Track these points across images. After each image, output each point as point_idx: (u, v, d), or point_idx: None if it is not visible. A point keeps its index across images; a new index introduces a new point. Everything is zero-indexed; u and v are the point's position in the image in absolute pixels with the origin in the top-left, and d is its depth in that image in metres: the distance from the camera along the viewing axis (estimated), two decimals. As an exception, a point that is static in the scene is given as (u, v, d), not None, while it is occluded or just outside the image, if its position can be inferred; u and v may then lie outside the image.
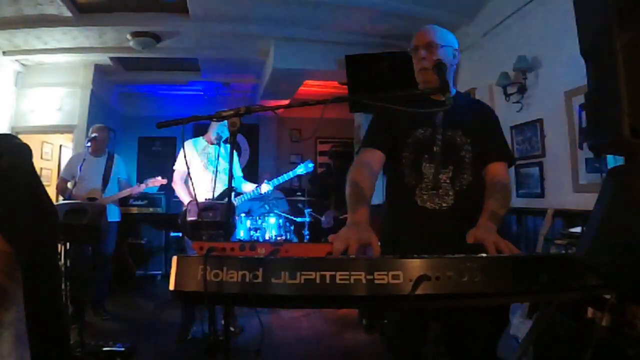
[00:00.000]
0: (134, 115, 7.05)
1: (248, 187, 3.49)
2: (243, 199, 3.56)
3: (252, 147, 7.59)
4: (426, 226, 1.47)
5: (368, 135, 1.61)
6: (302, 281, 0.79)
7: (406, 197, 1.50)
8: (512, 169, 3.34)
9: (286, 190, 6.33)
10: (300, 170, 3.73)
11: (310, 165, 3.78)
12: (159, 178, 3.84)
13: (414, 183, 1.49)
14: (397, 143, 1.54)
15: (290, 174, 3.67)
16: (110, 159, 3.84)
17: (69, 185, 3.74)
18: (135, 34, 4.48)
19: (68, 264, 2.54)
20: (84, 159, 3.43)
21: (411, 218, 1.50)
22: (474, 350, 1.44)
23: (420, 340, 1.51)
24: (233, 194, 3.34)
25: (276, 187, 3.64)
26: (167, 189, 5.07)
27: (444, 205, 1.46)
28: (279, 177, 3.58)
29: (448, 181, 1.48)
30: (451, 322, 1.47)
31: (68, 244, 2.56)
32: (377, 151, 1.53)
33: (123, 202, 5.47)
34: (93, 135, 3.63)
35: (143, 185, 3.79)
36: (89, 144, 3.56)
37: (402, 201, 1.53)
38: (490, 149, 1.53)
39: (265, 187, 3.42)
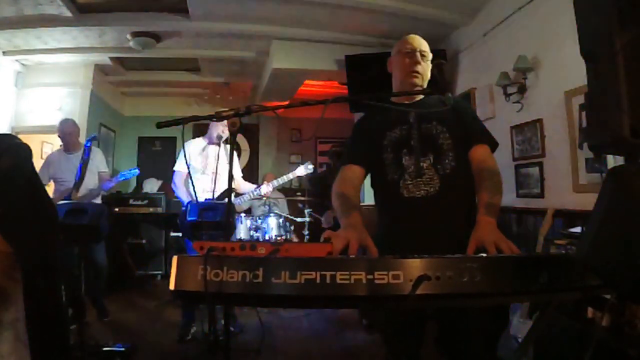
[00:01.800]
0: (134, 115, 7.06)
1: (247, 187, 3.48)
2: (243, 200, 3.55)
3: (252, 147, 7.59)
4: (417, 216, 1.47)
5: (347, 152, 1.66)
6: (303, 281, 0.79)
7: (392, 192, 1.51)
8: (512, 169, 3.37)
9: (286, 190, 6.33)
10: (300, 171, 3.73)
11: (311, 166, 3.77)
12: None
13: (397, 177, 1.51)
14: (375, 149, 1.56)
15: (290, 175, 3.66)
16: (86, 152, 3.69)
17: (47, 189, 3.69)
18: (135, 34, 4.48)
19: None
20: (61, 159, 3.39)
21: (401, 211, 1.51)
22: (474, 350, 1.44)
23: (418, 341, 1.51)
24: (233, 194, 3.34)
25: (276, 187, 3.64)
26: (167, 189, 5.06)
27: (431, 190, 1.47)
28: (279, 179, 3.58)
29: (431, 167, 1.49)
30: (451, 322, 1.46)
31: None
32: (357, 167, 1.57)
33: (123, 202, 5.49)
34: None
35: (114, 179, 3.67)
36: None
37: (389, 198, 1.55)
38: (469, 132, 1.54)
39: (265, 189, 3.42)
